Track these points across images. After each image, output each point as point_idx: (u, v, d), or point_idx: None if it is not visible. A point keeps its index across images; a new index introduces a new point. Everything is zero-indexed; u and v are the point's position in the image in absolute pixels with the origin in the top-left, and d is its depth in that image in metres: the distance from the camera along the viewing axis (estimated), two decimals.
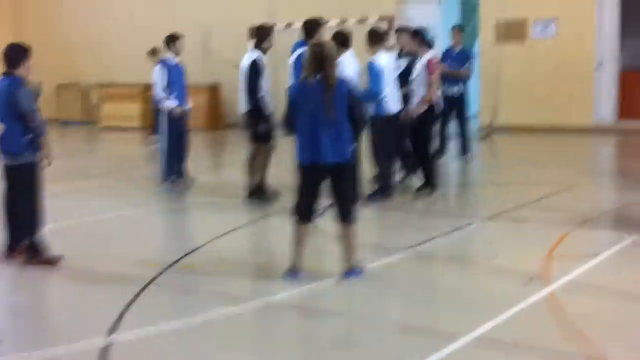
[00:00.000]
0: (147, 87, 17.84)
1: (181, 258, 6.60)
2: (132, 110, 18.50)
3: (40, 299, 5.92)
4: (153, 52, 13.00)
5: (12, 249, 6.55)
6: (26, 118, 6.24)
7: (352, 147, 5.85)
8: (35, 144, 6.32)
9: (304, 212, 5.79)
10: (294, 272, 5.81)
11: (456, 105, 11.33)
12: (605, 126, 14.07)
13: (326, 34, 8.13)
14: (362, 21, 14.68)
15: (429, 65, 8.61)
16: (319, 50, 5.65)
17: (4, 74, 6.36)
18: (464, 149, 11.51)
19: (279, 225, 7.94)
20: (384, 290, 5.67)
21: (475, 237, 7.24)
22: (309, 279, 5.79)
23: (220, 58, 17.44)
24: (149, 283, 5.86)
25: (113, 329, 4.88)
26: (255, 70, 8.47)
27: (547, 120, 14.44)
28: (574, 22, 14.15)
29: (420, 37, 8.77)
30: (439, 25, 15.72)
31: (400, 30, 9.71)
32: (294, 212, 5.88)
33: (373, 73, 8.26)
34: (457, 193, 9.63)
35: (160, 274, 6.12)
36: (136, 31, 18.82)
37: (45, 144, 6.37)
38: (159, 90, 9.81)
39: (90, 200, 9.54)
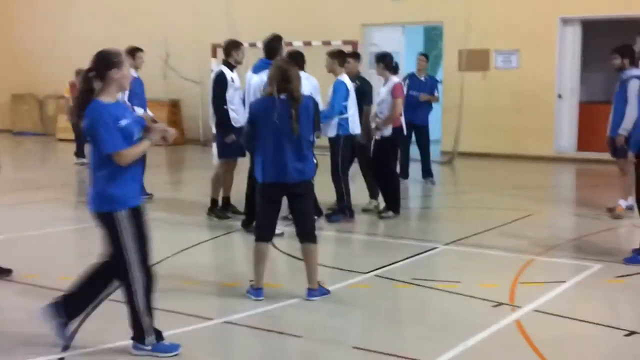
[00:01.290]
0: None
1: None
2: None
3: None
4: (78, 74, 12.97)
5: None
6: None
7: (314, 165, 5.77)
8: None
9: (264, 230, 5.68)
10: (255, 291, 5.69)
11: (419, 130, 11.42)
12: (564, 156, 14.26)
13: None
14: (326, 44, 14.66)
15: (395, 89, 8.60)
16: (285, 67, 5.55)
17: None
18: (426, 174, 11.54)
19: (240, 242, 7.80)
20: (346, 313, 5.55)
21: (439, 261, 7.18)
22: (270, 298, 5.66)
23: (181, 75, 17.28)
24: (104, 299, 5.65)
25: (65, 347, 4.67)
26: (218, 83, 8.40)
27: (508, 149, 14.58)
28: (535, 54, 14.36)
29: (385, 62, 8.74)
30: (403, 51, 15.85)
31: (352, 55, 9.59)
32: (254, 230, 5.77)
33: (341, 91, 8.23)
34: (420, 217, 9.59)
35: (116, 289, 5.90)
36: (94, 43, 18.43)
37: None
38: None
39: (40, 212, 9.25)
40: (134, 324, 4.60)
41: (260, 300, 5.63)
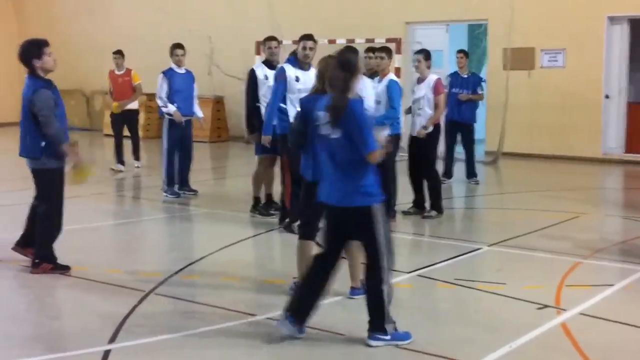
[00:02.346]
0: (150, 97, 17.92)
1: (183, 269, 6.48)
2: None
3: (41, 305, 5.76)
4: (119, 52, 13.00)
5: (23, 244, 6.44)
6: (40, 123, 5.99)
7: None
8: (52, 151, 6.05)
9: (309, 229, 5.62)
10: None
11: (464, 129, 11.32)
12: (612, 158, 13.98)
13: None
14: (369, 42, 14.61)
15: (436, 85, 8.55)
16: (322, 65, 5.31)
17: (28, 74, 6.16)
18: (470, 174, 11.43)
19: (283, 240, 7.83)
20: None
21: (483, 262, 7.11)
22: None
23: (225, 71, 17.40)
24: (149, 293, 5.74)
25: (112, 339, 4.75)
26: (247, 80, 8.49)
27: (554, 149, 14.36)
28: (582, 53, 14.12)
29: (430, 58, 8.71)
30: (447, 50, 15.72)
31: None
32: (299, 228, 5.78)
33: (398, 91, 8.19)
34: (464, 218, 9.50)
35: (161, 284, 5.99)
36: (139, 38, 18.76)
37: (66, 152, 6.07)
38: (157, 98, 9.95)
39: (89, 207, 9.40)
40: (377, 314, 4.74)
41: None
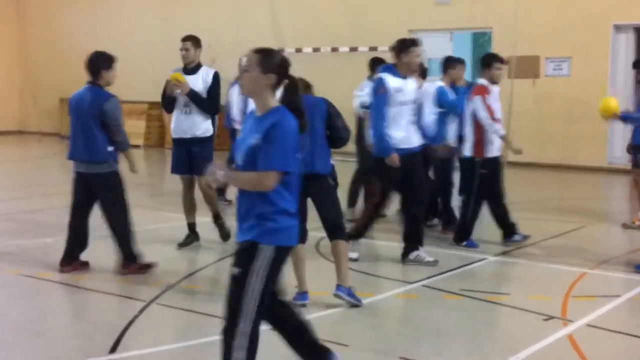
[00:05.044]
0: (152, 106, 17.92)
1: (184, 278, 6.43)
2: (138, 127, 18.38)
3: (41, 315, 5.69)
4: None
5: (67, 262, 6.50)
6: (111, 131, 6.29)
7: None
8: (116, 156, 6.40)
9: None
10: (300, 295, 5.66)
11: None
12: (618, 167, 13.88)
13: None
14: (372, 50, 14.60)
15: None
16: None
17: (89, 82, 6.48)
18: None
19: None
20: (393, 323, 5.47)
21: (488, 273, 7.03)
22: (315, 306, 5.60)
23: (227, 79, 17.35)
24: (150, 303, 5.69)
25: (113, 349, 4.70)
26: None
27: (558, 159, 14.29)
28: (587, 62, 14.06)
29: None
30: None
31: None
32: None
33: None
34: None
35: (162, 293, 5.94)
36: (139, 46, 18.74)
37: (128, 157, 6.51)
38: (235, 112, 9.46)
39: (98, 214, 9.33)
40: None
41: (306, 303, 5.57)
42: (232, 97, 9.69)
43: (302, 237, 5.56)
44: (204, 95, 7.39)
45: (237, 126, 9.16)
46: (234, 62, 16.90)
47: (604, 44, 13.97)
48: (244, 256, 3.63)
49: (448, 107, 8.11)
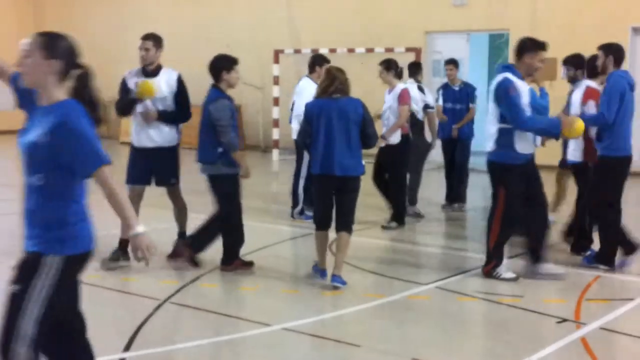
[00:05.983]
0: None
1: (199, 277, 6.46)
2: None
3: None
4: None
5: (228, 262, 6.65)
6: (217, 131, 6.31)
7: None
8: (227, 158, 6.38)
9: (321, 219, 6.23)
10: (320, 270, 6.29)
11: (461, 146, 10.30)
12: (636, 170, 13.75)
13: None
14: (388, 51, 14.60)
15: (401, 95, 8.48)
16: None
17: (212, 85, 6.54)
18: (450, 198, 10.31)
19: (302, 250, 7.80)
20: (405, 324, 5.47)
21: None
22: (329, 306, 5.63)
23: (244, 80, 17.43)
24: (164, 302, 5.73)
25: (127, 347, 4.74)
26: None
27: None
28: None
29: (393, 68, 8.64)
30: (467, 59, 15.65)
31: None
32: (314, 219, 6.41)
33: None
34: (483, 230, 9.38)
35: (177, 292, 5.98)
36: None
37: (238, 159, 6.41)
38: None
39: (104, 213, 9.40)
40: None
41: (324, 279, 6.16)
42: None
43: (326, 224, 6.23)
44: (170, 99, 6.78)
45: None
46: (251, 61, 17.15)
47: (622, 46, 13.84)
48: (26, 270, 3.18)
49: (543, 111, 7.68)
